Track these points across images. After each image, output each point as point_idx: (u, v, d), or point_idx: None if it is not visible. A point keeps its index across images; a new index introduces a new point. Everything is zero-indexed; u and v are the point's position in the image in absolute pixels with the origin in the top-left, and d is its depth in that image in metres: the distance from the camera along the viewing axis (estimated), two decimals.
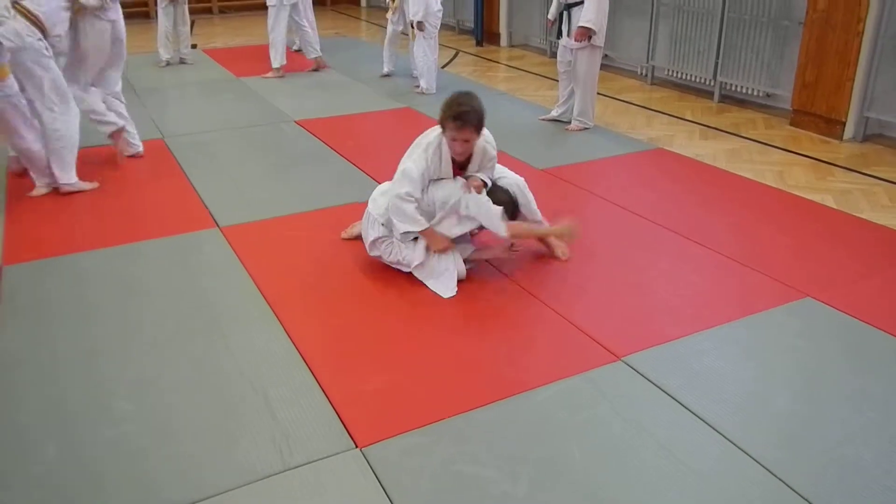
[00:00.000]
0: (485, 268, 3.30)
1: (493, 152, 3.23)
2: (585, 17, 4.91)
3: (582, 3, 4.95)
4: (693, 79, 6.52)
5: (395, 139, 4.19)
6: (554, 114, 5.57)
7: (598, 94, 5.61)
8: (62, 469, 2.13)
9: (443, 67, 7.33)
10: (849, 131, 5.16)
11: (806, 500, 1.99)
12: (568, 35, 5.11)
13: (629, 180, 4.45)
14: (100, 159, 4.68)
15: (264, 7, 6.98)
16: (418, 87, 6.46)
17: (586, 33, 4.95)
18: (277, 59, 6.99)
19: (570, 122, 5.41)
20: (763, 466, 2.11)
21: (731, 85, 6.17)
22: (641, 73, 7.11)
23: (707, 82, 6.37)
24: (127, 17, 4.65)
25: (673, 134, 5.41)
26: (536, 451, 2.18)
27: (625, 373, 2.55)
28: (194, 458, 2.16)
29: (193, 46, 8.06)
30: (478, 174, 3.17)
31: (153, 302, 3.05)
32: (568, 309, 2.96)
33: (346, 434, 2.25)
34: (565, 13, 5.12)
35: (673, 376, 2.51)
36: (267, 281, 3.19)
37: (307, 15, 7.19)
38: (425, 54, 6.32)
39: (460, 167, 3.19)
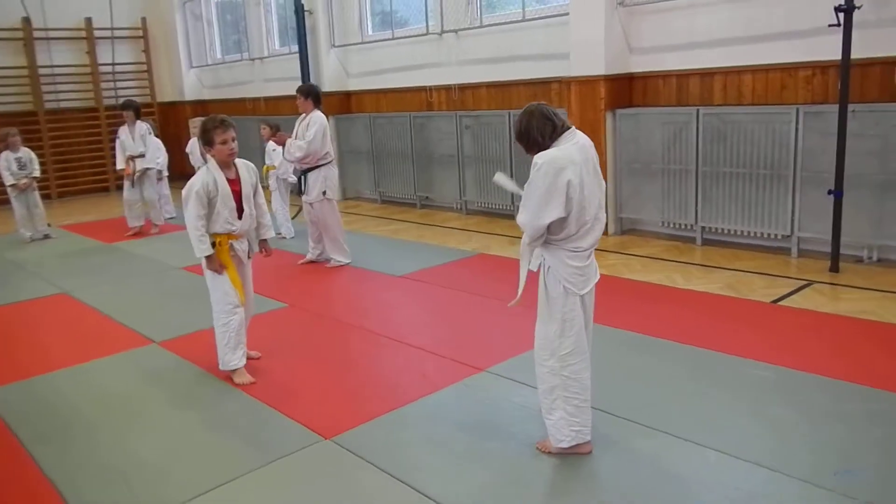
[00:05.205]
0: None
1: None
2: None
3: (317, 167, 6.12)
4: (497, 206, 8.33)
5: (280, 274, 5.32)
6: (310, 257, 6.50)
7: (426, 224, 7.11)
8: None
9: (293, 218, 8.61)
10: (611, 228, 7.08)
11: None
12: (307, 193, 6.26)
13: (468, 277, 5.89)
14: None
15: (100, 189, 8.04)
16: (280, 233, 7.67)
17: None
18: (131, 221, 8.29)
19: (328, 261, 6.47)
20: None
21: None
22: (457, 207, 8.86)
23: (508, 207, 8.18)
24: None
25: (489, 244, 7.01)
26: None
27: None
28: None
29: (48, 225, 8.64)
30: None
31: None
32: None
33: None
34: (303, 177, 6.34)
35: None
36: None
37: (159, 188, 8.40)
38: (282, 207, 7.67)
39: None
